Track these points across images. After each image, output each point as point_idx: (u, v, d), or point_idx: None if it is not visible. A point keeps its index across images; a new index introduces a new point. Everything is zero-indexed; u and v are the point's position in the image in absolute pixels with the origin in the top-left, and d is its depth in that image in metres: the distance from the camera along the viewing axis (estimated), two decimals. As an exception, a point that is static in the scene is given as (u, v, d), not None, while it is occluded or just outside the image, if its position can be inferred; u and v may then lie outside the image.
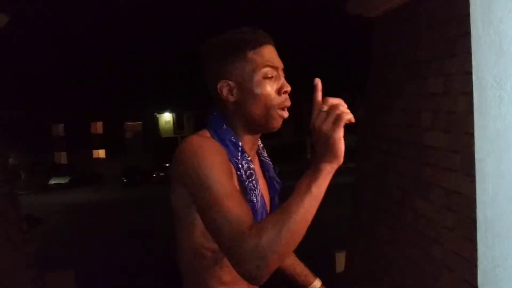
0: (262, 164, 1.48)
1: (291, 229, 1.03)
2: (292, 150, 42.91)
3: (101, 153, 43.83)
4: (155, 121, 46.36)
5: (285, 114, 1.32)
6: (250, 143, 1.36)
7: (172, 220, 1.30)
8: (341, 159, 1.09)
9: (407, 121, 3.97)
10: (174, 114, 46.78)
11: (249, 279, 1.07)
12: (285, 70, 1.35)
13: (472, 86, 0.77)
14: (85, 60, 45.43)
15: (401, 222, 3.93)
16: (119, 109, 42.44)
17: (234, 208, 1.10)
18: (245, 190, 1.26)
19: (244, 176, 1.27)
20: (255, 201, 1.27)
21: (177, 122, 46.94)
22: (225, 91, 1.30)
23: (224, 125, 1.32)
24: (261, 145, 1.51)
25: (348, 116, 1.09)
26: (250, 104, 1.28)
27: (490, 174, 0.70)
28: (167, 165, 40.67)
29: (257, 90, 1.27)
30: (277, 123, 1.32)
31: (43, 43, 46.22)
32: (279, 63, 1.31)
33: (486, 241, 0.71)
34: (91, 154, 43.48)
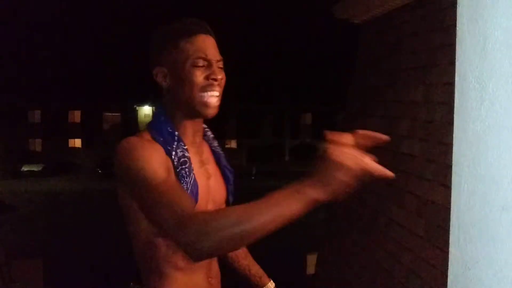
0: (214, 153, 1.54)
1: (240, 232, 1.03)
2: (271, 151, 43.03)
3: (77, 143, 43.22)
4: (135, 113, 45.94)
5: (212, 99, 1.35)
6: (191, 130, 1.42)
7: (122, 218, 1.37)
8: (334, 195, 1.04)
9: (385, 127, 4.00)
10: (154, 107, 46.42)
11: (193, 258, 1.11)
12: (224, 61, 1.40)
13: (452, 95, 0.76)
14: (66, 47, 44.75)
15: (374, 227, 3.97)
16: (98, 99, 41.93)
17: (171, 194, 1.16)
18: (178, 177, 1.31)
19: (177, 163, 1.32)
20: (185, 187, 1.31)
21: (157, 116, 46.59)
22: (159, 77, 1.38)
23: (163, 117, 1.39)
24: (212, 135, 1.57)
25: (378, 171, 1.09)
26: (179, 89, 1.35)
27: (467, 176, 0.70)
28: (117, 147, 40.04)
29: (185, 76, 1.34)
30: (207, 108, 1.36)
31: (24, 28, 45.39)
32: (213, 55, 1.36)
33: (458, 243, 0.70)
34: (67, 143, 42.84)
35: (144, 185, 1.20)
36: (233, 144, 44.79)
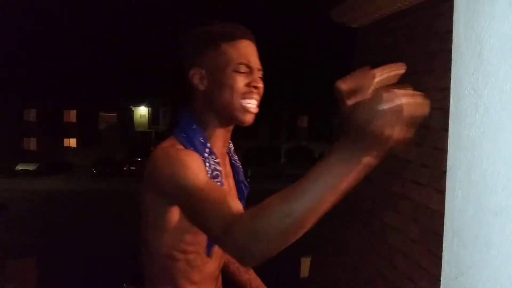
0: (233, 166, 1.48)
1: (288, 217, 0.88)
2: (267, 154, 43.03)
3: (72, 142, 43.11)
4: (131, 114, 45.86)
5: (252, 107, 1.31)
6: (221, 140, 1.36)
7: (140, 224, 1.31)
8: (380, 143, 0.79)
9: (381, 132, 4.01)
10: (150, 108, 46.38)
11: (245, 263, 1.08)
12: (263, 72, 1.34)
13: (447, 101, 0.77)
14: (63, 47, 44.65)
15: (368, 231, 3.97)
16: (94, 99, 41.83)
17: (214, 198, 1.09)
18: None
19: (210, 175, 1.26)
20: None
21: (153, 116, 46.55)
22: (196, 79, 1.31)
23: (194, 125, 1.31)
24: (233, 147, 1.51)
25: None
26: (217, 93, 1.29)
27: (461, 182, 0.70)
28: (139, 159, 40.31)
29: (226, 81, 1.28)
30: (244, 116, 1.31)
31: (20, 27, 45.25)
32: (255, 63, 1.31)
33: (451, 249, 0.71)
34: (62, 142, 42.70)
35: (189, 193, 1.13)
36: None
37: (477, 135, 0.66)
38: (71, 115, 43.36)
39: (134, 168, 36.81)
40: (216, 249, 1.33)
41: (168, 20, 49.39)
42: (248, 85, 1.29)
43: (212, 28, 1.31)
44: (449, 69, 0.77)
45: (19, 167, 36.00)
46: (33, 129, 41.23)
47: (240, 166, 1.50)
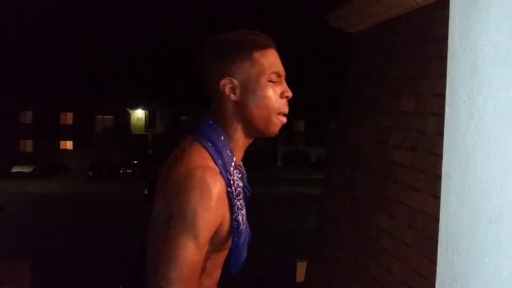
0: (239, 173, 1.48)
1: None
2: (263, 157, 43.00)
3: (68, 145, 42.97)
4: (127, 117, 45.78)
5: (284, 119, 1.32)
6: (242, 150, 1.36)
7: (150, 228, 1.30)
8: None
9: (377, 137, 4.02)
10: (147, 111, 46.31)
11: None
12: (286, 78, 1.35)
13: (443, 107, 0.77)
14: (60, 48, 44.59)
15: (364, 236, 3.98)
16: (91, 102, 41.76)
17: (193, 260, 1.13)
18: (233, 208, 1.25)
19: (234, 193, 1.25)
20: (240, 221, 1.26)
21: (149, 119, 46.47)
22: (227, 89, 1.28)
23: (223, 136, 1.29)
24: None
25: None
26: (252, 105, 1.27)
27: (455, 189, 0.71)
28: (135, 162, 40.18)
29: (261, 92, 1.27)
30: (276, 128, 1.32)
31: (17, 28, 45.19)
32: (282, 70, 1.32)
33: (446, 255, 0.71)
34: (58, 144, 42.57)
35: (180, 228, 1.14)
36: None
37: (472, 142, 0.67)
38: (68, 118, 43.25)
39: (130, 171, 36.72)
40: (223, 256, 1.33)
41: (167, 21, 49.42)
42: (281, 95, 1.30)
43: (242, 37, 1.30)
44: (445, 75, 0.78)
45: (15, 169, 35.85)
46: (29, 131, 41.10)
47: (245, 172, 1.49)
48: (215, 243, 1.24)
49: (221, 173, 1.24)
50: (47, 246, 16.29)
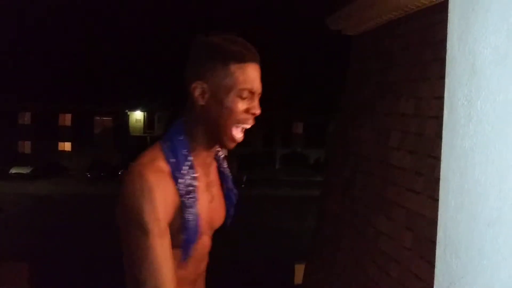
0: (221, 175, 1.50)
1: None
2: (261, 159, 43.00)
3: (67, 146, 42.93)
4: (126, 118, 45.75)
5: (239, 137, 1.33)
6: (206, 151, 1.37)
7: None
8: None
9: (376, 139, 4.02)
10: (145, 113, 46.28)
11: None
12: (261, 95, 1.36)
13: (442, 109, 0.78)
14: (59, 49, 44.58)
15: (362, 238, 3.97)
16: (90, 103, 41.73)
17: (160, 255, 1.18)
18: (183, 205, 1.28)
19: (183, 191, 1.28)
20: (188, 219, 1.28)
21: (148, 121, 46.45)
22: (197, 92, 1.30)
23: (181, 136, 1.33)
24: (222, 155, 1.53)
25: None
26: (215, 113, 1.30)
27: (454, 192, 0.71)
28: (127, 171, 39.76)
29: (227, 103, 1.28)
30: (229, 144, 1.34)
31: (16, 29, 45.18)
32: (258, 87, 1.32)
33: (444, 258, 0.71)
34: (57, 146, 42.52)
35: (129, 228, 1.19)
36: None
37: (470, 145, 0.67)
38: (66, 119, 43.22)
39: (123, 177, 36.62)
40: (193, 255, 1.35)
41: (167, 22, 49.43)
42: (247, 111, 1.31)
43: (223, 44, 1.30)
44: (443, 77, 0.78)
45: (13, 171, 35.80)
46: (27, 133, 41.06)
47: (229, 174, 1.52)
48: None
49: (172, 171, 1.28)
50: (46, 247, 16.26)
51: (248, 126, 1.33)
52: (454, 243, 0.70)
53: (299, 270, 7.27)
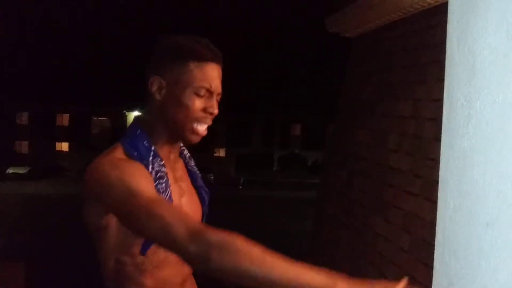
0: (190, 173, 1.50)
1: (249, 274, 0.99)
2: (260, 160, 43.01)
3: (64, 146, 42.87)
4: (124, 118, 45.69)
5: (203, 131, 1.33)
6: (168, 147, 1.37)
7: (89, 237, 1.33)
8: None
9: (374, 141, 4.02)
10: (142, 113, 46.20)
11: (199, 271, 1.10)
12: (222, 96, 1.37)
13: (440, 112, 0.77)
14: (57, 50, 44.52)
15: (360, 240, 3.97)
16: (87, 103, 41.68)
17: (174, 208, 1.15)
18: (156, 191, 1.27)
19: (154, 176, 1.28)
20: None
21: (146, 122, 46.40)
22: (154, 87, 1.32)
23: (139, 130, 1.34)
24: (188, 154, 1.53)
25: None
26: (171, 109, 1.31)
27: (452, 193, 0.71)
28: (88, 168, 39.64)
29: (184, 100, 1.29)
30: (193, 137, 1.34)
31: (14, 30, 45.10)
32: (216, 87, 1.32)
33: (443, 259, 0.71)
34: (54, 146, 42.45)
35: (134, 200, 1.15)
36: (221, 152, 44.71)
37: (469, 146, 0.67)
38: (64, 119, 43.16)
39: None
40: (171, 254, 1.30)
41: (166, 22, 49.43)
42: (204, 110, 1.31)
43: (184, 42, 1.31)
44: (441, 80, 0.78)
45: (10, 171, 35.72)
46: (25, 133, 40.98)
47: (198, 172, 1.52)
48: (129, 234, 1.24)
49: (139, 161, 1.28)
50: (42, 248, 16.22)
51: (205, 125, 1.33)
52: (452, 244, 0.70)
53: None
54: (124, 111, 45.24)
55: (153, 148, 1.32)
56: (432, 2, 3.18)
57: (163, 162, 1.32)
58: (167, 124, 1.33)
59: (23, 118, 41.91)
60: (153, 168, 1.28)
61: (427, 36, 3.29)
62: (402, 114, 3.55)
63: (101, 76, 42.88)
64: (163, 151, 1.36)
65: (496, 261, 0.63)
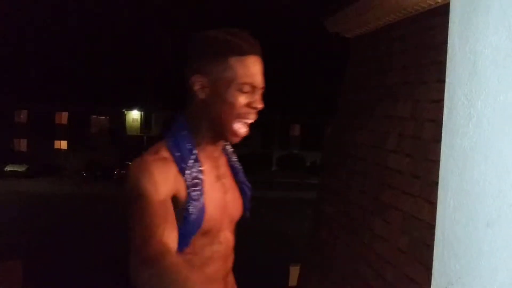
0: (232, 168, 1.48)
1: None
2: (258, 160, 43.00)
3: (63, 144, 42.82)
4: (123, 117, 45.66)
5: (242, 130, 1.32)
6: (211, 145, 1.36)
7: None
8: None
9: (373, 142, 4.02)
10: (142, 112, 46.21)
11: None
12: (264, 90, 1.33)
13: (439, 113, 0.77)
14: (56, 48, 44.48)
15: (358, 241, 3.97)
16: (86, 102, 41.65)
17: (159, 219, 1.11)
18: (189, 197, 1.25)
19: (189, 183, 1.26)
20: (190, 211, 1.25)
21: (145, 121, 46.38)
22: (197, 86, 1.29)
23: (185, 131, 1.31)
24: (231, 149, 1.51)
25: None
26: (216, 107, 1.28)
27: (452, 192, 0.70)
28: (130, 163, 39.80)
29: (228, 97, 1.27)
30: (234, 137, 1.32)
31: (12, 28, 45.05)
32: (259, 82, 1.30)
33: (442, 259, 0.71)
34: (53, 144, 42.40)
35: (139, 202, 1.15)
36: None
37: (470, 145, 0.67)
38: (63, 117, 43.10)
39: (124, 172, 36.64)
40: (217, 250, 1.34)
41: (165, 22, 49.39)
42: (248, 105, 1.29)
43: (222, 37, 1.28)
44: (441, 81, 0.78)
45: (8, 168, 35.68)
46: (23, 130, 40.93)
47: (240, 167, 1.50)
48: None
49: (177, 163, 1.27)
50: (39, 246, 16.20)
51: (250, 120, 1.31)
52: (452, 244, 0.69)
53: (294, 272, 7.26)
54: (123, 110, 45.21)
55: (195, 152, 1.30)
56: (432, 3, 3.18)
57: (202, 168, 1.30)
58: (211, 123, 1.31)
59: (22, 116, 41.85)
60: (190, 173, 1.27)
61: (427, 37, 3.29)
62: (401, 115, 3.55)
63: (101, 75, 42.85)
64: (207, 150, 1.34)
65: (496, 260, 0.63)
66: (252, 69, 1.28)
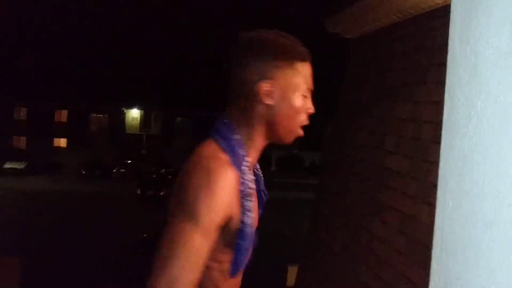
0: (255, 176, 1.42)
1: None
2: (258, 161, 42.98)
3: (62, 142, 42.82)
4: (122, 116, 45.64)
5: (302, 132, 1.32)
6: (257, 154, 1.32)
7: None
8: None
9: (372, 142, 4.02)
10: (142, 111, 46.20)
11: None
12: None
13: (438, 114, 0.78)
14: (57, 47, 44.46)
15: (356, 241, 3.97)
16: (86, 100, 41.64)
17: (194, 257, 1.08)
18: (242, 208, 1.21)
19: (242, 193, 1.21)
20: (247, 223, 1.21)
21: (145, 119, 46.38)
22: (263, 91, 1.24)
23: (237, 135, 1.25)
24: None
25: None
26: (282, 112, 1.25)
27: (452, 192, 0.70)
28: (129, 161, 40.00)
29: (294, 103, 1.25)
30: (292, 139, 1.32)
31: (13, 25, 45.03)
32: (312, 85, 1.31)
33: (440, 259, 0.71)
34: (52, 142, 42.39)
35: (180, 215, 1.10)
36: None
37: (469, 145, 0.67)
38: (62, 115, 43.09)
39: (123, 170, 36.61)
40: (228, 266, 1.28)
41: (165, 21, 49.37)
42: (306, 110, 1.29)
43: (284, 42, 1.27)
44: (441, 82, 0.78)
45: (7, 165, 35.67)
46: (23, 128, 40.91)
47: (261, 175, 1.46)
48: (219, 242, 1.18)
49: (236, 168, 1.20)
50: (37, 244, 16.19)
51: (306, 124, 1.31)
52: (451, 244, 0.69)
53: (292, 272, 7.26)
54: (123, 109, 45.21)
55: (248, 160, 1.25)
56: (432, 4, 3.18)
57: (253, 177, 1.27)
58: (271, 127, 1.27)
59: (22, 113, 41.82)
60: (243, 183, 1.21)
61: (427, 38, 3.29)
62: (400, 116, 3.55)
63: (101, 74, 42.83)
64: (253, 159, 1.29)
65: (495, 261, 0.63)
66: (310, 73, 1.29)
